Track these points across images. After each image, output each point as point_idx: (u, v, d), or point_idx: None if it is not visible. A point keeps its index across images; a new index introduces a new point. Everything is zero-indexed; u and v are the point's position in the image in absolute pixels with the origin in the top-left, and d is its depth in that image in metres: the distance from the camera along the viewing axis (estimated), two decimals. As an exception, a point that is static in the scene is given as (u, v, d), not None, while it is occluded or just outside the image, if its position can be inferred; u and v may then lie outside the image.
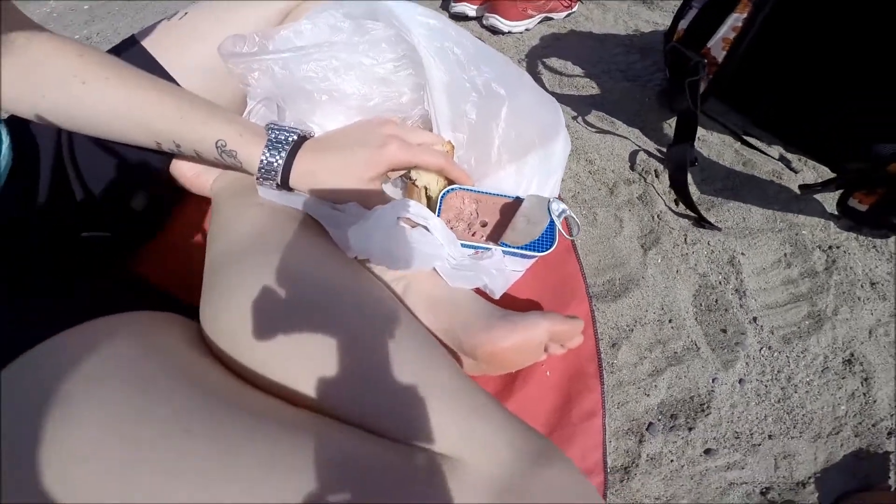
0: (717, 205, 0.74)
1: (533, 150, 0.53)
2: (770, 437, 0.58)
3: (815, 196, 0.74)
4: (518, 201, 0.48)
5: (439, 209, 0.47)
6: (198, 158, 0.43)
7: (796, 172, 0.78)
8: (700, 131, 0.78)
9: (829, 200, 0.74)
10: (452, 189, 0.48)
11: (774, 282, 0.68)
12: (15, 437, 0.26)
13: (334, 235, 0.42)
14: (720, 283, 0.68)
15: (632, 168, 0.78)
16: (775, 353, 0.63)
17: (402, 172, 0.49)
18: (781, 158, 0.79)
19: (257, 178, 0.42)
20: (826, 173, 0.76)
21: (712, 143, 0.81)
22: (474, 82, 0.51)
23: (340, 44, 0.49)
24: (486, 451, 0.31)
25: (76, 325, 0.32)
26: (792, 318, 0.65)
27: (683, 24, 0.68)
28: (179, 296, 0.47)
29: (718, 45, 0.64)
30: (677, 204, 0.74)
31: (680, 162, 0.67)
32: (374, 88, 0.50)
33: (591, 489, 0.33)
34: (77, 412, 0.26)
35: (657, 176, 0.76)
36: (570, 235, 0.50)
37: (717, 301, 0.66)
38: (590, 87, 0.91)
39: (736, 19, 0.62)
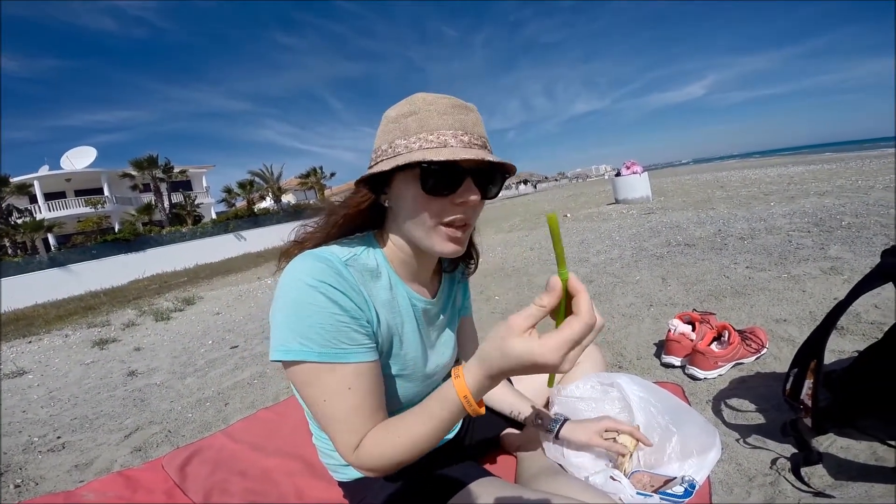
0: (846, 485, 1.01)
1: (692, 456, 1.05)
2: None
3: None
4: (674, 478, 0.99)
5: (629, 477, 1.01)
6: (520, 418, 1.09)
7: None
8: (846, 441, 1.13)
9: None
10: (638, 470, 1.02)
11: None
12: None
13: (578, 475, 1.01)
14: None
15: (771, 466, 1.12)
16: None
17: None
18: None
19: (545, 432, 1.04)
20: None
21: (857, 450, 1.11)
22: (659, 422, 1.09)
23: (595, 399, 1.18)
24: None
25: (485, 477, 0.88)
26: None
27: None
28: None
29: (807, 396, 1.09)
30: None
31: (796, 462, 1.06)
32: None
33: None
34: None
35: (789, 471, 1.08)
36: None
37: None
38: (757, 418, 1.31)
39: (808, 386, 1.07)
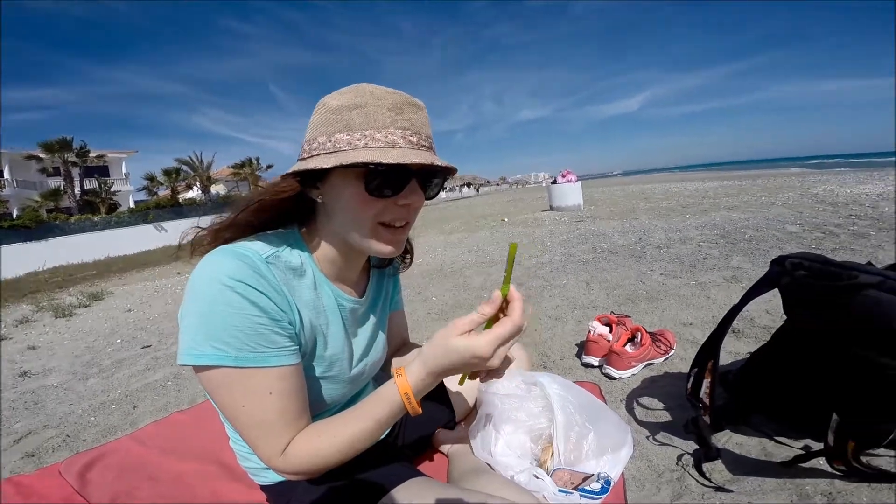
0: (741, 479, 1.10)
1: (607, 453, 1.11)
2: None
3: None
4: (591, 474, 1.05)
5: (551, 475, 1.06)
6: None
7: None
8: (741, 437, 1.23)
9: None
10: (559, 468, 1.07)
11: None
12: None
13: (504, 473, 1.04)
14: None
15: (677, 462, 1.19)
16: None
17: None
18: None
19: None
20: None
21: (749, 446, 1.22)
22: (577, 420, 1.14)
23: (519, 396, 1.22)
24: None
25: (416, 477, 0.87)
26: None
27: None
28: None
29: (705, 394, 1.19)
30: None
31: (698, 458, 1.15)
32: (528, 416, 1.18)
33: None
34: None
35: (693, 467, 1.16)
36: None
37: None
38: (665, 416, 1.42)
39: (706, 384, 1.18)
